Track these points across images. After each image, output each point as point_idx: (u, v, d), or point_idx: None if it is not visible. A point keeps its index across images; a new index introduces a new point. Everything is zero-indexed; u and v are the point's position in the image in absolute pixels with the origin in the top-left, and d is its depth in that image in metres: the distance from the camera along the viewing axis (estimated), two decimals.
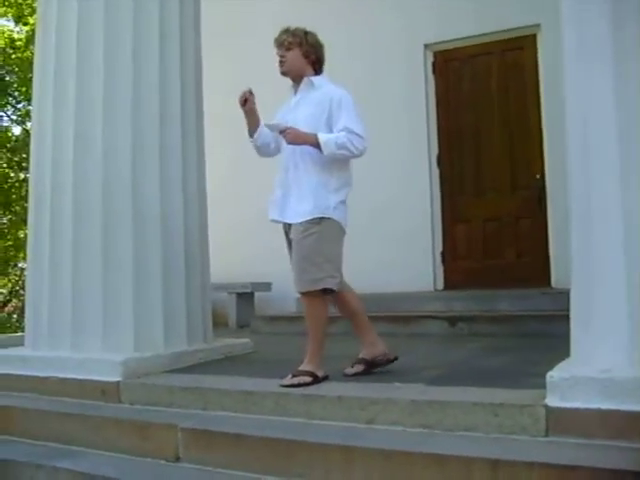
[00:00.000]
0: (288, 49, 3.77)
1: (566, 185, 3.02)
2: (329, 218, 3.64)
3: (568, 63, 3.00)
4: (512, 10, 6.59)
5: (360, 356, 3.79)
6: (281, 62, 3.79)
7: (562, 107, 3.04)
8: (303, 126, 3.63)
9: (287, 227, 3.76)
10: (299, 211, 3.64)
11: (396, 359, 3.81)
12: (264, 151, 4.02)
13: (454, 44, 7.07)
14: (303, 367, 3.58)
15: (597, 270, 2.80)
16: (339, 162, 3.70)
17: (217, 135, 6.02)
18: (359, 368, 3.73)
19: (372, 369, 3.74)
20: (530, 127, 6.70)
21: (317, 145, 3.57)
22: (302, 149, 3.64)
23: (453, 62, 7.15)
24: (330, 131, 3.63)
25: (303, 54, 3.77)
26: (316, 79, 3.80)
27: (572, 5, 2.99)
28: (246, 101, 3.81)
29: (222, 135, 6.79)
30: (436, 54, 7.19)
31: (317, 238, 3.60)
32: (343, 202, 3.72)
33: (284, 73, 3.82)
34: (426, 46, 7.15)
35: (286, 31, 3.82)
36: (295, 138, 3.60)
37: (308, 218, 3.61)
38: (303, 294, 3.64)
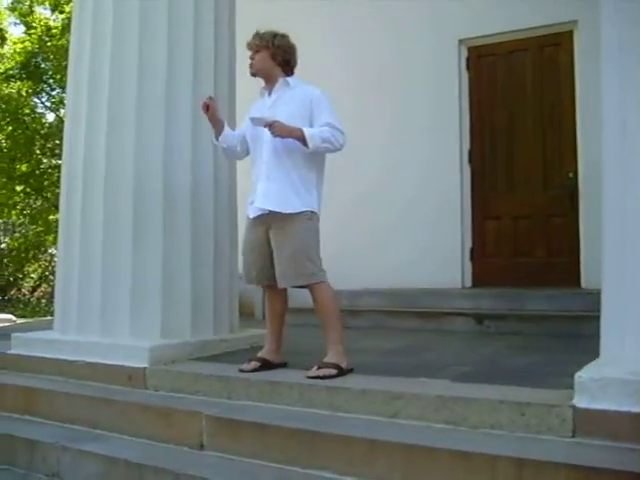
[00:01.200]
0: (256, 51, 3.90)
1: (600, 185, 2.98)
2: (315, 212, 3.78)
3: (606, 62, 2.96)
4: (549, 6, 6.50)
5: (260, 355, 3.87)
6: (250, 64, 3.92)
7: (598, 105, 3.00)
8: (285, 123, 3.68)
9: (261, 223, 3.79)
10: (290, 203, 3.71)
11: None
12: (230, 153, 4.11)
13: (489, 39, 6.98)
14: (328, 359, 3.59)
15: (630, 271, 2.76)
16: (319, 157, 3.83)
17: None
18: (255, 365, 3.78)
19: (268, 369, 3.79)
20: (564, 125, 6.60)
21: (302, 139, 3.64)
22: (284, 144, 3.70)
23: (487, 58, 7.07)
24: (311, 127, 3.71)
25: (270, 56, 3.88)
26: (291, 80, 3.90)
27: (612, 2, 2.94)
28: (208, 107, 3.89)
29: None
30: (470, 49, 7.12)
31: (310, 232, 3.74)
32: (321, 196, 3.87)
33: (253, 74, 3.95)
34: (460, 41, 7.08)
35: (255, 35, 3.93)
36: (281, 131, 3.63)
37: (300, 211, 3.71)
38: (314, 288, 3.73)
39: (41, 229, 18.04)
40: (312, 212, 3.76)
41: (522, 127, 6.83)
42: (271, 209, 3.71)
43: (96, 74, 4.47)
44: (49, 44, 16.89)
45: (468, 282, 6.94)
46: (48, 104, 18.31)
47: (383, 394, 3.13)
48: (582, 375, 2.74)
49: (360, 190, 7.09)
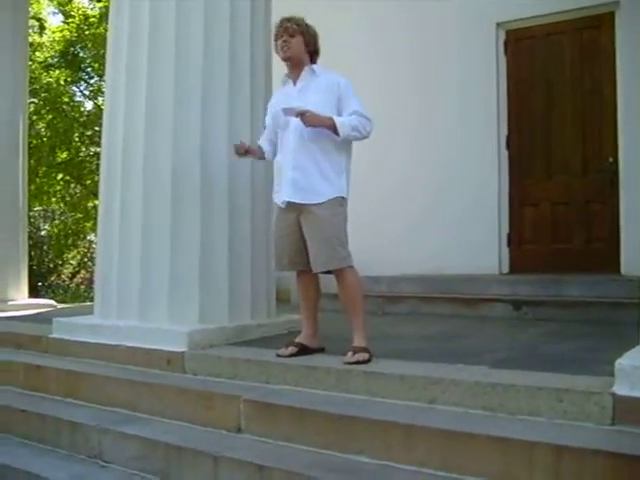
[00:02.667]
0: (292, 35, 3.87)
1: None
2: (345, 198, 3.83)
3: None
4: None
5: (297, 340, 3.87)
6: (285, 47, 3.87)
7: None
8: (314, 111, 3.68)
9: (292, 210, 3.79)
10: (321, 191, 3.74)
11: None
12: (267, 158, 4.11)
13: (527, 22, 6.88)
14: (359, 343, 3.61)
15: None
16: (347, 145, 3.85)
17: None
18: (293, 350, 3.79)
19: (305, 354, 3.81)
20: (604, 109, 6.49)
21: (333, 127, 3.67)
22: (312, 131, 3.71)
23: (525, 41, 6.96)
24: (339, 115, 3.73)
25: (305, 42, 3.89)
26: (316, 67, 3.92)
27: None
28: (245, 152, 3.93)
29: None
30: (508, 33, 7.02)
31: (342, 218, 3.79)
32: (349, 180, 3.90)
33: (288, 58, 3.90)
34: (498, 25, 6.99)
35: (289, 19, 3.91)
36: (313, 120, 3.65)
37: (331, 197, 3.74)
38: (341, 272, 3.73)
39: (80, 216, 18.28)
40: (342, 198, 3.80)
41: (561, 111, 6.74)
42: (300, 202, 3.74)
43: (134, 61, 4.52)
44: (87, 33, 17.04)
45: (505, 268, 6.89)
46: (86, 92, 18.51)
47: (421, 380, 3.13)
48: (622, 362, 2.71)
49: (397, 178, 7.07)
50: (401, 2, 7.18)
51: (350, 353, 3.55)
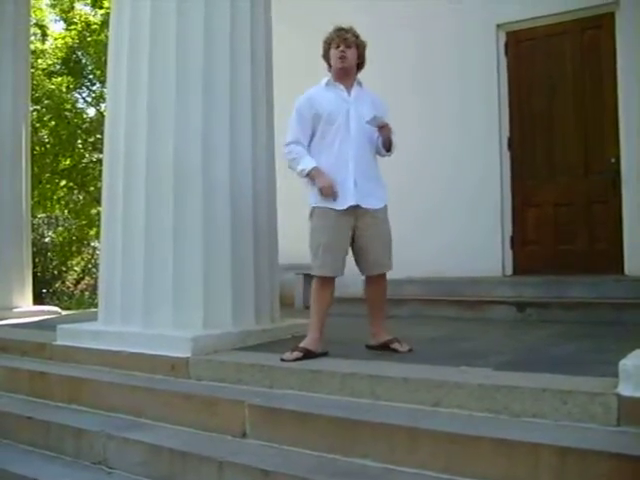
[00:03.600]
0: (349, 46, 3.98)
1: None
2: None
3: None
4: None
5: (302, 345, 3.86)
6: (343, 58, 3.96)
7: None
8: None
9: (349, 214, 3.87)
10: (380, 196, 3.97)
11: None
12: None
13: (527, 24, 6.88)
14: (392, 335, 3.88)
15: None
16: None
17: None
18: (298, 355, 3.77)
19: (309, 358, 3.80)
20: (606, 109, 6.48)
21: (390, 143, 3.95)
22: (370, 141, 3.95)
23: (526, 42, 6.96)
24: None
25: (358, 54, 4.05)
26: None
27: None
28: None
29: None
30: (509, 34, 7.02)
31: (388, 223, 4.01)
32: None
33: (345, 69, 3.99)
34: (498, 26, 7.00)
35: (347, 30, 4.03)
36: (389, 134, 3.89)
37: (386, 203, 3.99)
38: (381, 275, 3.98)
39: (84, 223, 18.32)
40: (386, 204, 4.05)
41: (562, 112, 6.73)
42: (367, 207, 3.89)
43: (134, 70, 4.53)
44: (89, 39, 17.10)
45: (509, 270, 6.88)
46: (89, 99, 18.57)
47: (425, 383, 3.13)
48: (626, 363, 2.70)
49: (400, 180, 7.01)
50: (401, 3, 7.19)
51: (397, 344, 3.82)
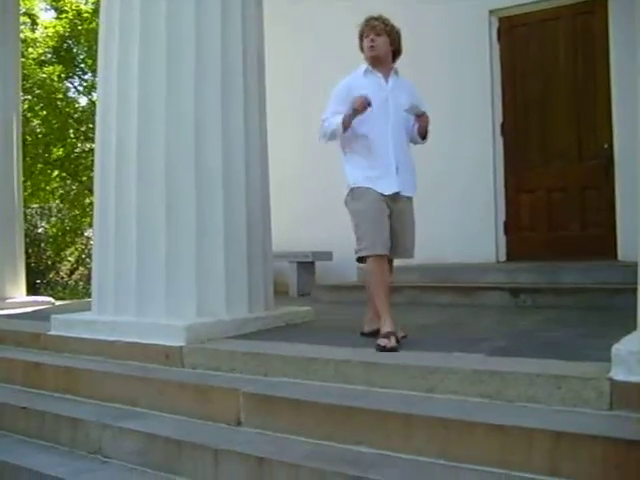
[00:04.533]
0: (378, 34, 3.97)
1: (635, 156, 2.93)
2: None
3: None
4: None
5: (391, 329, 3.71)
6: (372, 46, 3.96)
7: (634, 74, 2.94)
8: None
9: (388, 199, 3.91)
10: (415, 184, 4.08)
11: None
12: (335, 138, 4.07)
13: (520, 9, 6.88)
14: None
15: None
16: None
17: (283, 118, 6.04)
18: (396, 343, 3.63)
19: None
20: (599, 95, 6.49)
21: (426, 131, 4.03)
22: (407, 130, 4.01)
23: (519, 28, 6.96)
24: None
25: (390, 42, 4.02)
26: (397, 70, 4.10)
27: None
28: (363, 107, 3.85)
29: (288, 118, 6.85)
30: (501, 20, 7.02)
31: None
32: None
33: (375, 57, 3.99)
34: (491, 12, 6.98)
35: (377, 18, 4.02)
36: (427, 123, 3.97)
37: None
38: (390, 261, 4.02)
39: (77, 213, 18.27)
40: None
41: (555, 98, 6.74)
42: (407, 194, 3.99)
43: (125, 55, 4.49)
44: (80, 28, 16.98)
45: (502, 256, 6.91)
46: (80, 88, 18.46)
47: (419, 369, 3.13)
48: (619, 347, 2.71)
49: None
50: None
51: (389, 338, 3.60)
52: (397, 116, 3.92)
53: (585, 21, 6.62)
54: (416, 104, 3.90)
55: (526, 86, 6.88)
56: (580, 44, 6.64)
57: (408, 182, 4.00)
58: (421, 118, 3.93)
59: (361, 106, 3.79)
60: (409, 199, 4.03)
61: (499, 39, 7.01)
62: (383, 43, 3.98)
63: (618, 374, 2.68)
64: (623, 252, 6.13)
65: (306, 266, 7.47)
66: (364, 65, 4.06)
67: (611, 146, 6.37)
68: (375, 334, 3.79)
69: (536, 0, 6.71)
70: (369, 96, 3.80)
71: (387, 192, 3.88)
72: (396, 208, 3.93)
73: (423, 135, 4.07)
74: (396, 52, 4.10)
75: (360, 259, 3.92)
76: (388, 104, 3.93)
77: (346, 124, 3.85)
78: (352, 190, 3.96)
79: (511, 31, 6.99)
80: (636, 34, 2.92)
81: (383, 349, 3.52)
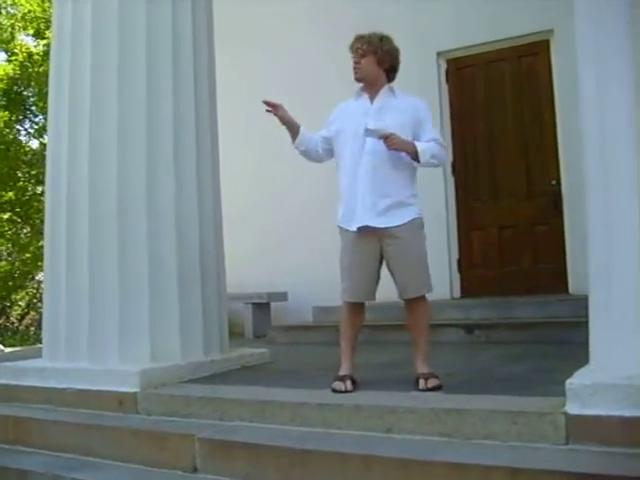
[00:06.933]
0: (362, 56, 3.76)
1: (582, 191, 3.00)
2: (421, 218, 3.79)
3: (582, 67, 2.99)
4: (525, 16, 6.57)
5: (348, 373, 3.65)
6: (355, 69, 3.79)
7: (577, 112, 3.03)
8: (398, 134, 3.59)
9: (369, 235, 3.65)
10: (400, 214, 3.67)
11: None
12: (312, 156, 3.98)
13: (467, 51, 7.05)
14: (428, 370, 3.60)
15: (615, 276, 2.78)
16: (415, 170, 3.80)
17: (235, 152, 6.06)
18: (351, 385, 3.56)
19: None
20: (545, 133, 6.67)
21: (414, 153, 3.60)
22: (389, 154, 3.60)
23: (466, 69, 7.13)
24: (414, 139, 3.66)
25: (377, 62, 3.77)
26: (395, 88, 3.84)
27: (585, 10, 2.98)
28: (273, 107, 3.80)
29: (240, 152, 6.85)
30: (449, 62, 7.18)
31: (424, 240, 3.81)
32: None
33: (360, 79, 3.81)
34: (439, 54, 7.14)
35: (361, 38, 3.81)
36: (398, 145, 3.56)
37: (412, 218, 3.70)
38: (417, 298, 3.75)
39: (28, 256, 17.93)
40: (422, 219, 3.79)
41: (503, 137, 6.89)
42: (391, 225, 3.63)
43: (76, 100, 4.45)
44: (31, 70, 16.85)
45: (457, 293, 6.96)
46: (31, 131, 18.26)
47: (376, 409, 3.12)
48: (573, 382, 2.74)
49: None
50: (345, 27, 7.24)
51: (422, 381, 3.46)
52: (377, 141, 3.58)
53: (529, 62, 6.82)
54: (376, 128, 3.55)
55: (475, 125, 7.02)
56: (525, 84, 6.82)
57: (383, 214, 3.60)
58: (386, 141, 3.53)
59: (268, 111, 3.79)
60: (396, 231, 3.63)
61: (447, 80, 7.16)
62: (367, 64, 3.74)
63: (573, 408, 2.70)
64: (574, 286, 6.24)
65: (261, 307, 7.42)
66: (358, 86, 3.87)
67: (559, 182, 6.53)
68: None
69: (481, 42, 6.89)
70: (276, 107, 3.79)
71: (351, 228, 3.67)
72: (384, 244, 3.65)
73: (415, 157, 3.62)
74: (390, 70, 3.82)
75: None
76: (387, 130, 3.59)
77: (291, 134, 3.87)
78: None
79: (459, 72, 7.15)
80: (577, 74, 3.01)
81: (336, 393, 3.48)
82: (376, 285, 3.76)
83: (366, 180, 3.63)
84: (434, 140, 3.70)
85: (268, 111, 3.83)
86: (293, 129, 3.89)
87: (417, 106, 3.79)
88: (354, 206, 3.67)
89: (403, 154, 3.61)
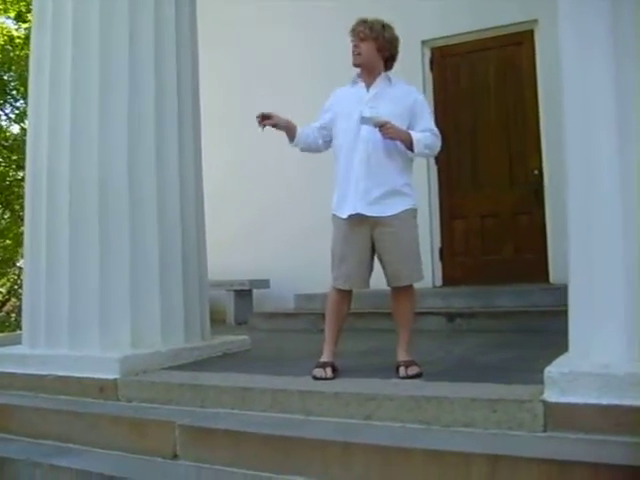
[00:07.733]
0: (362, 40, 3.71)
1: (563, 181, 3.01)
2: (416, 209, 3.74)
3: (566, 57, 3.00)
4: (509, 6, 6.57)
5: (328, 360, 3.67)
6: (355, 53, 3.74)
7: (560, 102, 3.04)
8: (394, 122, 3.57)
9: (365, 222, 3.63)
10: (394, 203, 3.62)
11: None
12: (314, 150, 3.95)
13: (452, 40, 7.04)
14: (410, 357, 3.62)
15: (595, 265, 2.80)
16: (411, 161, 3.78)
17: (215, 136, 6.03)
18: (331, 372, 3.58)
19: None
20: (527, 122, 6.69)
21: (409, 142, 3.58)
22: (385, 143, 3.58)
23: (450, 58, 7.13)
24: (409, 129, 3.64)
25: (377, 48, 3.73)
26: (392, 76, 3.80)
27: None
28: (264, 119, 3.74)
29: (220, 136, 6.81)
30: (433, 50, 7.17)
31: (416, 230, 3.74)
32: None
33: (358, 65, 3.76)
34: (423, 42, 7.13)
35: (364, 22, 3.75)
36: (393, 133, 3.53)
37: (405, 208, 3.65)
38: (406, 286, 3.73)
39: (9, 242, 17.77)
40: (416, 209, 3.74)
41: (486, 126, 6.90)
42: (384, 215, 3.59)
43: (57, 85, 4.41)
44: (12, 54, 16.65)
45: (438, 281, 6.99)
46: (12, 116, 18.05)
47: (356, 396, 3.13)
48: (551, 370, 2.77)
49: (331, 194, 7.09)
50: (332, 19, 7.24)
51: (403, 368, 3.48)
52: (372, 129, 3.55)
53: (513, 52, 6.82)
54: (372, 115, 3.52)
55: (458, 114, 7.02)
56: (509, 74, 6.83)
57: (377, 203, 3.57)
58: (381, 129, 3.50)
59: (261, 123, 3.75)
60: (389, 220, 3.59)
61: (432, 69, 7.16)
62: (367, 49, 3.69)
63: (551, 396, 2.73)
64: (554, 275, 6.29)
65: (243, 294, 7.41)
66: (355, 72, 3.83)
67: (541, 172, 6.56)
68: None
69: (466, 31, 6.88)
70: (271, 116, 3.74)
71: (343, 215, 3.64)
72: (376, 233, 3.63)
73: (409, 147, 3.59)
74: (389, 58, 3.79)
75: None
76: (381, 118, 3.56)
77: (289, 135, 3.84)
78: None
79: (443, 61, 7.15)
80: (561, 64, 3.02)
81: (317, 380, 3.49)
82: (370, 273, 3.75)
83: (361, 168, 3.61)
84: (429, 130, 3.69)
85: (263, 125, 3.76)
86: (290, 132, 3.85)
87: (414, 96, 3.77)
88: (347, 192, 3.66)
89: (398, 143, 3.60)
